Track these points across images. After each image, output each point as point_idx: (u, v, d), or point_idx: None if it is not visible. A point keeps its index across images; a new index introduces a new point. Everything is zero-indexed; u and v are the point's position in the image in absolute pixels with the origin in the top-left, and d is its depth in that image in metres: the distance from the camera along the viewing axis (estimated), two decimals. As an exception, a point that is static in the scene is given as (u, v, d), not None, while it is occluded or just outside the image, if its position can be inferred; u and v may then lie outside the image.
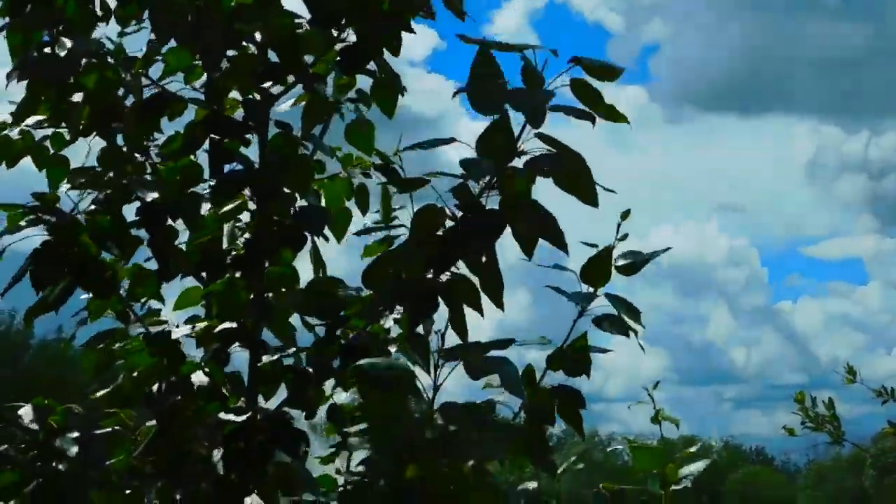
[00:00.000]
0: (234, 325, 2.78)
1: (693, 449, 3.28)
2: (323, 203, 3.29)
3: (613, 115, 2.40)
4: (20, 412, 2.92)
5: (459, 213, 2.40)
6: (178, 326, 3.02)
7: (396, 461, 2.30)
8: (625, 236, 2.71)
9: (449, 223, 2.42)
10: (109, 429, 3.13)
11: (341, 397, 2.92)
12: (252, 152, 3.00)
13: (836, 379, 5.08)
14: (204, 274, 3.12)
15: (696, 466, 3.12)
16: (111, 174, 3.03)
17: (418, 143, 2.45)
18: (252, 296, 2.79)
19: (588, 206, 2.42)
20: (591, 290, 2.69)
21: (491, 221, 2.39)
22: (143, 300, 3.13)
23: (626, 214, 2.77)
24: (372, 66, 3.14)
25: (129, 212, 3.00)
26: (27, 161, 3.46)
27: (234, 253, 2.82)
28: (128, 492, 2.96)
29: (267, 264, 2.85)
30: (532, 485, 2.88)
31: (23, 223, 2.72)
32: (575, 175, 2.38)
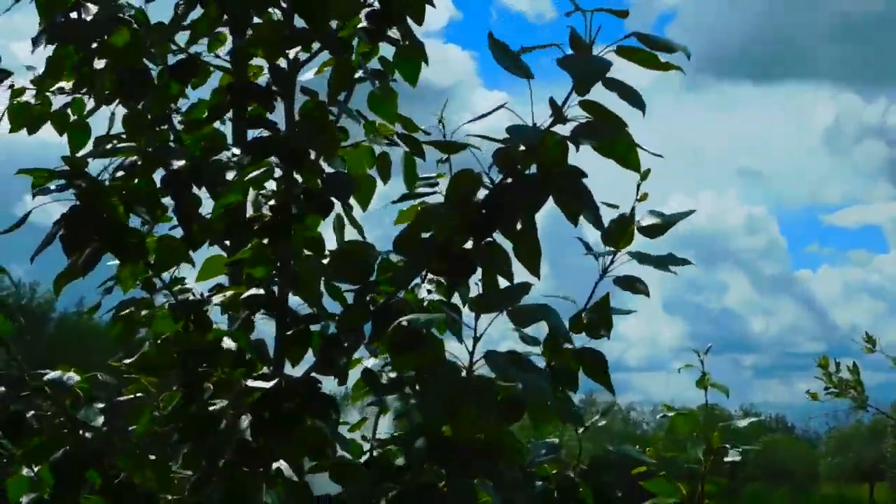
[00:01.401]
0: (261, 291, 2.77)
1: (746, 422, 3.28)
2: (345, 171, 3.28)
3: (670, 67, 2.39)
4: (45, 379, 2.92)
5: (497, 180, 2.40)
6: (202, 295, 3.01)
7: (438, 416, 2.30)
8: (645, 196, 2.70)
9: (484, 191, 2.42)
10: (132, 396, 3.14)
11: (371, 363, 2.91)
12: (278, 119, 3.00)
13: (855, 348, 5.09)
14: (228, 242, 3.12)
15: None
16: (135, 142, 3.03)
17: (480, 116, 2.43)
18: (279, 262, 2.78)
19: (630, 170, 2.43)
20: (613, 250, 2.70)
21: (534, 189, 2.38)
22: (170, 270, 3.12)
23: (645, 174, 2.76)
24: (395, 33, 3.13)
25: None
26: (48, 135, 3.47)
27: (260, 220, 2.80)
28: (153, 458, 2.96)
29: (294, 231, 2.84)
30: (554, 440, 2.88)
31: (51, 186, 2.71)
32: (618, 142, 2.37)
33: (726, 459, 3.16)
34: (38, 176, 2.69)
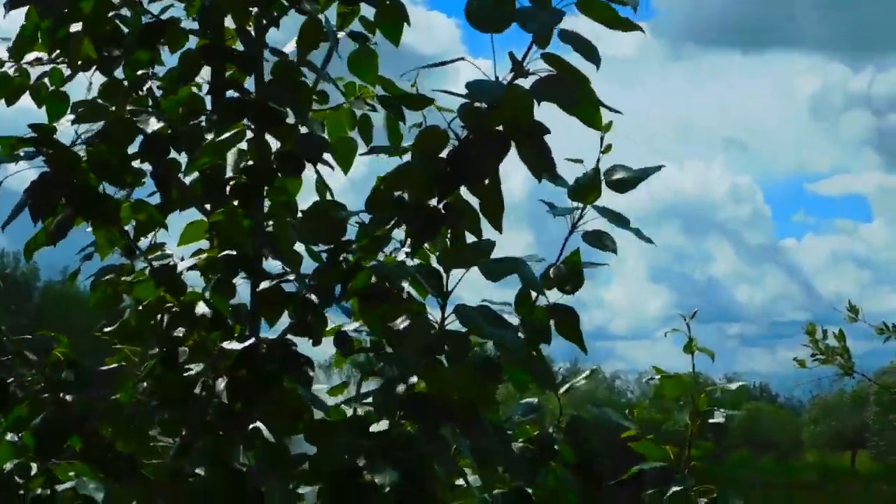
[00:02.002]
0: (235, 253, 2.76)
1: (733, 386, 3.27)
2: (326, 135, 3.26)
3: (629, 26, 2.36)
4: (25, 343, 2.92)
5: (463, 136, 2.38)
6: (182, 259, 3.01)
7: (412, 369, 2.30)
8: (608, 147, 2.67)
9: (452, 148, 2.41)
10: (115, 364, 3.15)
11: (352, 328, 2.91)
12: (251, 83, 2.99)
13: (839, 316, 5.05)
14: (208, 206, 3.12)
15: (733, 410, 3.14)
16: (113, 108, 3.02)
17: (430, 64, 2.42)
18: (252, 223, 2.77)
19: (591, 128, 2.41)
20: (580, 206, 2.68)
21: (496, 143, 2.36)
22: (149, 235, 3.11)
23: (607, 127, 2.74)
24: (374, -6, 3.10)
25: (132, 148, 3.00)
26: (29, 103, 3.46)
27: (233, 182, 2.80)
28: (132, 425, 2.97)
29: (267, 192, 2.84)
30: (533, 399, 2.88)
31: (20, 153, 2.70)
32: (580, 97, 2.35)
33: (711, 421, 3.15)
34: (6, 144, 2.68)
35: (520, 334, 2.64)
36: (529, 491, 2.89)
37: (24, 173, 2.86)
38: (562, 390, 2.79)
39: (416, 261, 2.84)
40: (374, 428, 2.54)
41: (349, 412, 2.98)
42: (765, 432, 60.92)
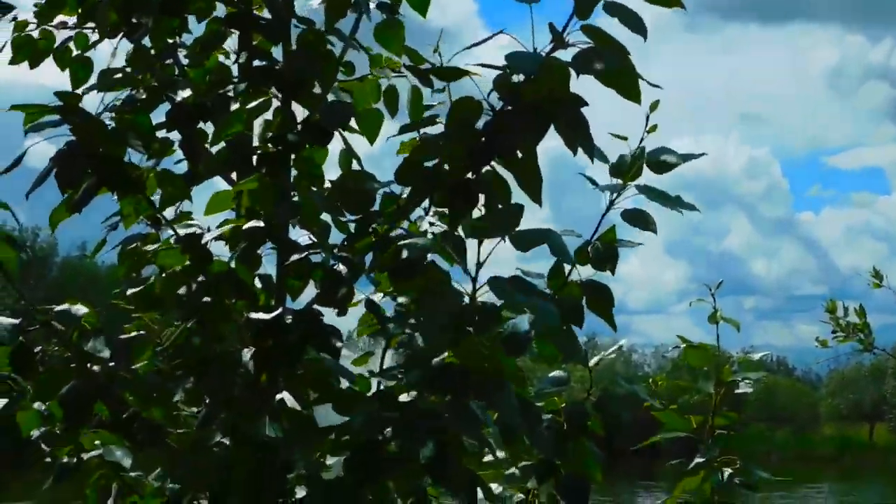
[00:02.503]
0: (261, 223, 2.74)
1: (756, 357, 3.25)
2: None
3: (672, 1, 2.33)
4: (53, 311, 2.91)
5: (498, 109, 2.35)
6: (209, 230, 2.99)
7: (440, 342, 2.28)
8: (654, 127, 2.65)
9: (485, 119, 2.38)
10: (134, 333, 3.14)
11: (376, 298, 2.89)
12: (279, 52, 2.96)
13: (857, 290, 5.06)
14: (234, 176, 3.10)
15: (755, 374, 3.11)
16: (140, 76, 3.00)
17: (469, 46, 2.39)
18: (279, 193, 2.75)
19: (630, 101, 2.37)
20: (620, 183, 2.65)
21: (534, 116, 2.33)
22: (175, 206, 3.10)
23: (654, 106, 2.71)
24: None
25: (159, 116, 2.98)
26: (50, 77, 3.44)
27: (260, 151, 2.77)
28: (157, 394, 2.96)
29: (294, 162, 2.81)
30: (562, 373, 2.87)
31: (43, 122, 2.68)
32: (620, 70, 2.31)
33: (737, 392, 3.14)
34: (31, 112, 2.66)
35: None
36: (557, 463, 2.89)
37: (38, 147, 2.84)
38: (591, 362, 2.77)
39: (441, 228, 2.82)
40: (401, 399, 2.53)
41: (374, 383, 2.98)
42: (782, 406, 60.93)
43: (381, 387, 2.86)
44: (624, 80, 2.33)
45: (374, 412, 2.43)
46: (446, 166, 2.48)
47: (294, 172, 2.89)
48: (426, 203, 2.68)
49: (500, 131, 2.38)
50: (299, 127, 2.73)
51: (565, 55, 2.35)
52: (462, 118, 2.42)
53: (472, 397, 2.39)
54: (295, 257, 2.71)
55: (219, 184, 3.10)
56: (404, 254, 2.55)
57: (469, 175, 2.47)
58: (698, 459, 3.06)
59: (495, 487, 3.04)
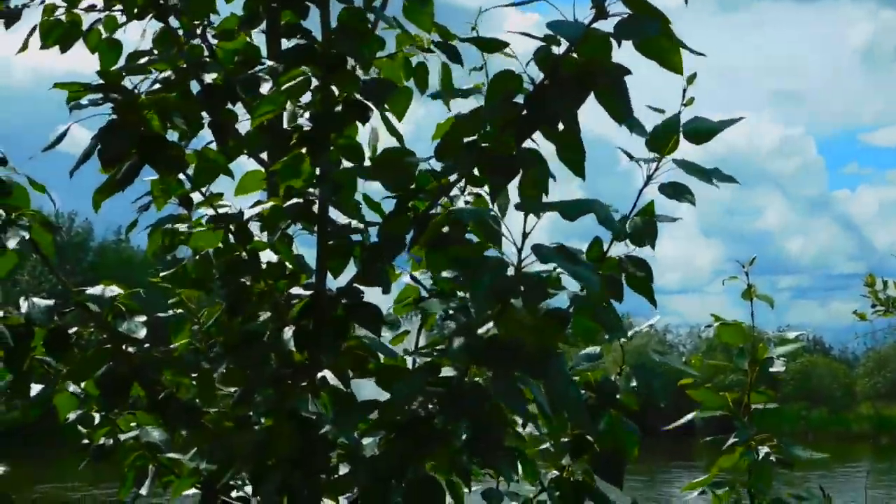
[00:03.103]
0: (301, 201, 2.74)
1: (792, 335, 3.25)
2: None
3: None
4: (87, 293, 2.91)
5: (539, 81, 2.34)
6: (240, 210, 2.99)
7: (488, 310, 2.27)
8: (691, 100, 2.64)
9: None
10: (171, 312, 3.15)
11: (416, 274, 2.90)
12: (312, 27, 2.96)
13: (894, 268, 5.03)
14: (265, 156, 3.10)
15: (788, 349, 3.12)
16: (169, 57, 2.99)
17: (509, 3, 2.38)
18: (318, 172, 2.74)
19: (671, 72, 2.36)
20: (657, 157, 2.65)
21: (576, 87, 2.33)
22: (205, 187, 3.09)
23: (691, 78, 2.71)
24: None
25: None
26: (80, 63, 3.44)
27: (298, 131, 2.76)
28: (195, 373, 2.97)
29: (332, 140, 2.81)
30: (595, 348, 2.87)
31: (84, 101, 2.67)
32: (661, 38, 2.31)
33: (772, 370, 3.14)
34: (74, 90, 2.66)
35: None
36: (590, 439, 2.90)
37: (74, 133, 2.84)
38: (630, 333, 2.78)
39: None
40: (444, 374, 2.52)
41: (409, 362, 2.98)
42: (818, 385, 60.69)
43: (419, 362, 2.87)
44: (665, 48, 2.32)
45: (418, 386, 2.42)
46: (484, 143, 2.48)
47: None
48: (461, 182, 2.69)
49: (541, 103, 2.37)
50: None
51: (606, 26, 2.34)
52: (502, 92, 2.42)
53: (519, 371, 2.39)
54: (335, 234, 2.71)
55: (245, 166, 3.10)
56: (445, 230, 2.55)
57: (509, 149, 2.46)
58: (735, 437, 3.06)
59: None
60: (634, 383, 2.83)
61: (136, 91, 2.81)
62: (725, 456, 3.08)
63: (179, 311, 3.14)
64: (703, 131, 2.61)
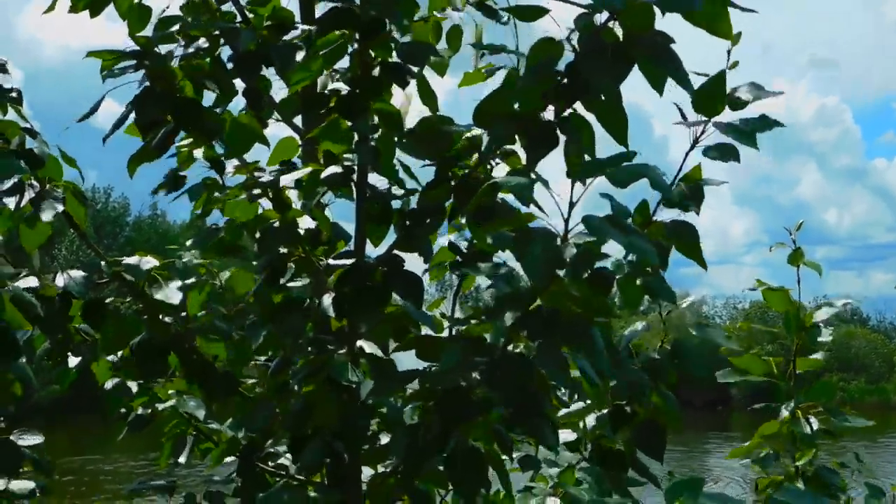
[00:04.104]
0: (340, 168, 2.71)
1: (839, 303, 3.21)
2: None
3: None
4: (123, 263, 2.89)
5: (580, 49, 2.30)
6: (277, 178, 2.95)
7: (542, 281, 2.23)
8: (735, 63, 2.59)
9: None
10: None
11: (451, 238, 2.86)
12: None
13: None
14: (300, 123, 3.06)
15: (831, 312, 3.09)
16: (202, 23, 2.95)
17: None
18: (357, 138, 2.71)
19: (719, 37, 2.32)
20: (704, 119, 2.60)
21: (619, 55, 2.28)
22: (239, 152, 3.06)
23: (737, 38, 2.64)
24: None
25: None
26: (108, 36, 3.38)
27: (334, 95, 2.72)
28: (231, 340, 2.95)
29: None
30: (640, 324, 2.84)
31: (117, 69, 2.64)
32: (708, 5, 2.26)
33: (819, 339, 3.10)
34: (107, 58, 2.62)
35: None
36: (629, 410, 2.87)
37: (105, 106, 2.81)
38: (675, 306, 2.74)
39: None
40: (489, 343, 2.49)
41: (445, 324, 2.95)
42: (856, 356, 60.81)
43: (454, 331, 2.84)
44: (713, 14, 2.27)
45: (463, 357, 2.39)
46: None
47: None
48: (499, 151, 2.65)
49: (582, 71, 2.33)
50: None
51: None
52: (544, 58, 2.37)
53: (562, 340, 2.36)
54: (375, 200, 2.68)
55: (278, 134, 3.07)
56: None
57: (550, 117, 2.42)
58: (780, 409, 3.02)
59: (568, 434, 3.03)
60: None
61: (170, 57, 2.78)
62: (767, 424, 3.04)
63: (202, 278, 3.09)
64: (742, 100, 2.57)
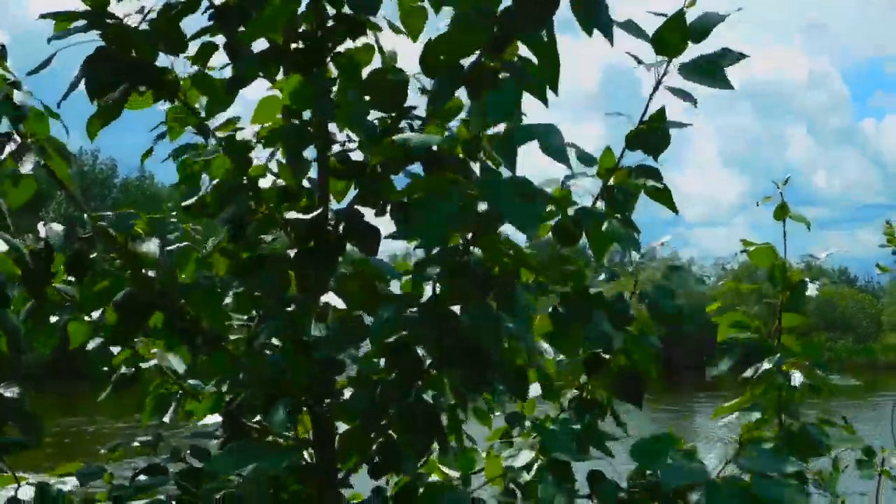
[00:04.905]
0: (298, 122, 2.68)
1: (823, 255, 3.12)
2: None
3: None
4: (106, 216, 2.89)
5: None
6: (255, 134, 2.94)
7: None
8: (693, 2, 2.49)
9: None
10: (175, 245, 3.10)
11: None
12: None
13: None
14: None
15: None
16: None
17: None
18: (316, 92, 2.67)
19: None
20: (666, 60, 2.52)
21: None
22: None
23: None
24: None
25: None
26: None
27: (293, 49, 2.70)
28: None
29: (332, 59, 2.74)
30: (603, 274, 2.79)
31: (71, 27, 2.63)
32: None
33: (807, 293, 3.00)
34: (60, 19, 2.61)
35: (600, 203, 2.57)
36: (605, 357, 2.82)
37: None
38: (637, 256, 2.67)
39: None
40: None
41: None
42: (843, 315, 60.05)
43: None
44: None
45: (394, 312, 2.37)
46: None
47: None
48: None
49: (518, 12, 2.26)
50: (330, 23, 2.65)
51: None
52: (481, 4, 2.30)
53: (493, 298, 2.32)
54: (335, 150, 2.65)
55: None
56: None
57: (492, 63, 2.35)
58: (765, 364, 2.93)
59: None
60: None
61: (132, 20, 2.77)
62: (755, 382, 2.94)
63: (186, 243, 3.10)
64: (703, 29, 2.48)
